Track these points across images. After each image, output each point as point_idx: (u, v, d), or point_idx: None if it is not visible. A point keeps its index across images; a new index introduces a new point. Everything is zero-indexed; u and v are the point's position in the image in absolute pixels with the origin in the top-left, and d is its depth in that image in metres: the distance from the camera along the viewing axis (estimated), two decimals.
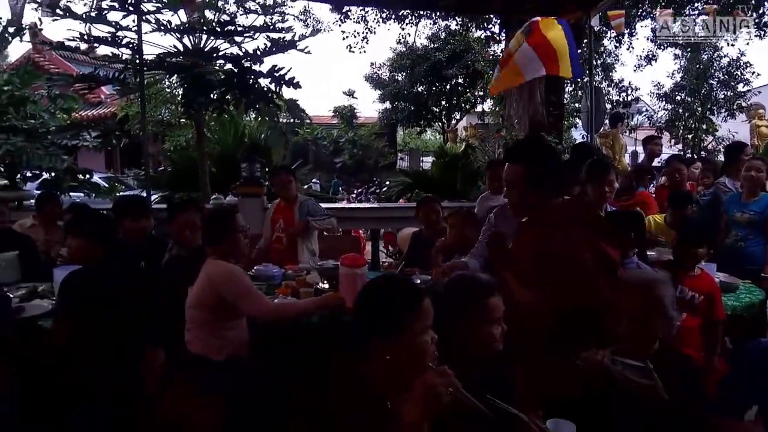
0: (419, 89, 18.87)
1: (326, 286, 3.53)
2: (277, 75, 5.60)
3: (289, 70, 5.65)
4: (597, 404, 1.86)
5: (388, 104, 19.73)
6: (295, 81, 5.70)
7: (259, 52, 5.60)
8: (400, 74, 18.97)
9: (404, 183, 7.66)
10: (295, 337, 3.02)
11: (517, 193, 2.18)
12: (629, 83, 17.73)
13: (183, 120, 16.85)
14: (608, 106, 14.86)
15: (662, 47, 17.19)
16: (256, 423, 2.74)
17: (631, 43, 15.89)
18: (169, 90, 15.20)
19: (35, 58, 14.42)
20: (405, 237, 5.04)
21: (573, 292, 1.97)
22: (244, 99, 5.54)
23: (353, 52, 13.60)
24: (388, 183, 14.66)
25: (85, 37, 5.51)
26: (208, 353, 2.75)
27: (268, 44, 5.71)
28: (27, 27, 6.83)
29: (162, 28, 5.77)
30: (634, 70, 19.13)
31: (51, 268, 3.43)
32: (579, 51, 6.27)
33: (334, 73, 49.89)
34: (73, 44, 5.67)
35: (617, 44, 15.69)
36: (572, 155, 4.56)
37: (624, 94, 16.75)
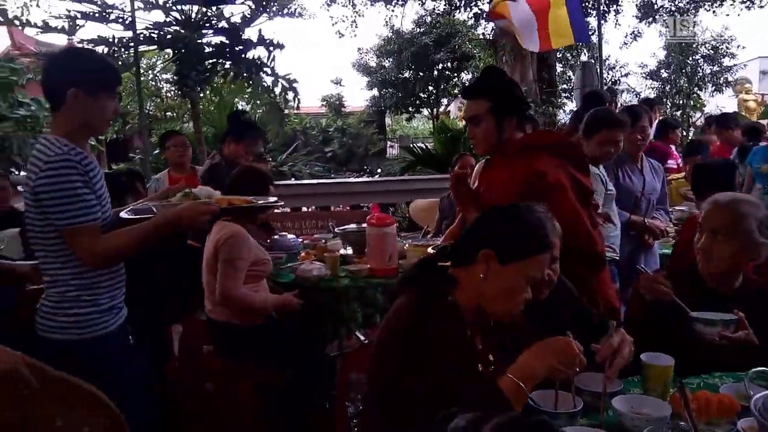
0: (406, 75, 18.70)
1: (350, 251, 3.38)
2: (266, 41, 5.46)
3: (274, 35, 5.55)
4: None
5: (375, 91, 19.53)
6: (279, 43, 5.58)
7: (247, 17, 5.45)
8: (387, 60, 18.78)
9: (406, 160, 7.50)
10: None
11: (483, 129, 2.07)
12: (616, 60, 17.76)
13: (169, 113, 16.68)
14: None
15: (648, 23, 17.23)
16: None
17: (617, 20, 15.89)
18: (153, 83, 15.01)
19: (15, 56, 13.97)
20: (419, 208, 4.90)
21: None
22: (234, 69, 5.38)
23: (342, 36, 13.44)
24: (380, 171, 14.50)
25: (71, 13, 5.26)
26: (233, 320, 2.60)
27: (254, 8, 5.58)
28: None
29: (149, 4, 5.56)
30: (620, 48, 19.15)
31: None
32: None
33: (322, 63, 49.56)
34: (59, 24, 5.40)
35: (603, 21, 15.67)
36: (584, 103, 4.40)
37: (612, 71, 16.72)
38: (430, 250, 2.51)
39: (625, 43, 16.98)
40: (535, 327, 1.51)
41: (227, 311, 2.59)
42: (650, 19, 16.08)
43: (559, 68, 15.39)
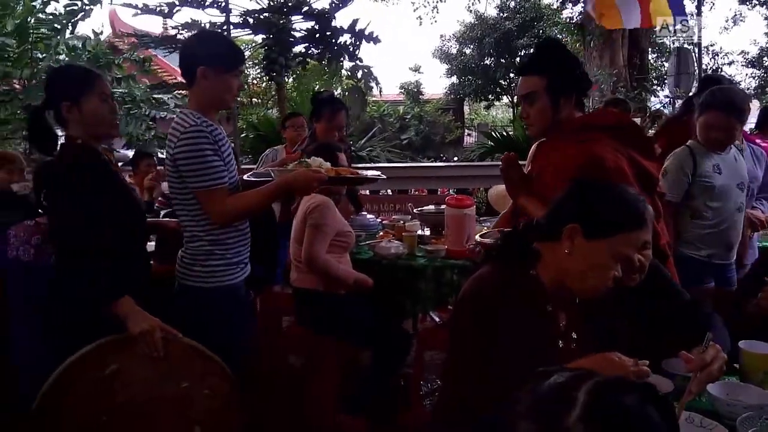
0: (487, 62, 18.32)
1: (428, 232, 3.40)
2: (360, 32, 5.52)
3: (368, 24, 5.57)
4: None
5: (455, 79, 19.28)
6: (374, 36, 5.61)
7: (335, 2, 5.53)
8: (468, 47, 18.48)
9: (485, 146, 7.40)
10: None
11: (537, 108, 1.90)
12: (721, 48, 16.59)
13: (254, 99, 17.28)
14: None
15: (750, 5, 15.95)
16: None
17: (713, 3, 14.74)
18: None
19: (114, 42, 14.89)
20: (498, 193, 4.82)
21: None
22: (327, 54, 5.48)
23: (422, 22, 13.36)
24: (456, 158, 14.34)
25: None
26: (318, 287, 2.71)
27: None
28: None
29: None
30: (720, 33, 17.73)
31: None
32: None
33: (401, 50, 49.09)
34: (158, 7, 5.71)
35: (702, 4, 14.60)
36: (701, 88, 4.11)
37: (716, 58, 15.57)
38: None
39: (726, 28, 15.84)
40: (626, 312, 1.47)
41: (312, 278, 2.70)
42: (753, 2, 14.91)
43: (652, 56, 14.55)
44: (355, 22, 5.54)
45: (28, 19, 7.44)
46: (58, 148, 1.96)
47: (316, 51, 5.69)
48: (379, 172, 2.35)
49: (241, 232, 2.03)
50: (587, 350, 1.34)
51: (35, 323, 2.17)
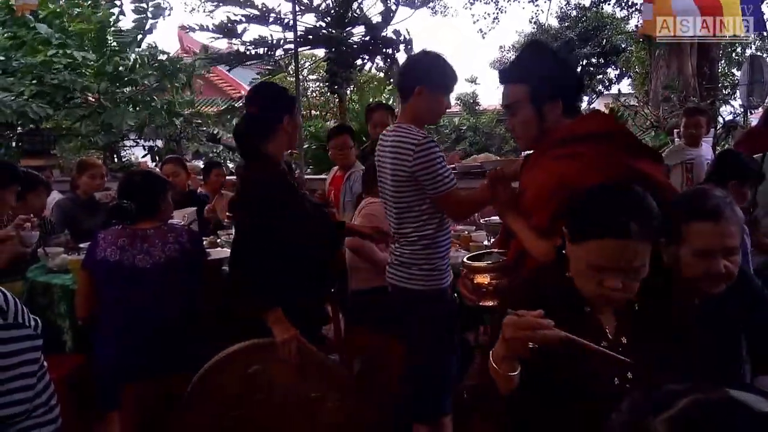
0: None
1: (493, 242, 3.38)
2: (400, 38, 5.69)
3: (409, 28, 5.74)
4: None
5: None
6: (407, 39, 5.83)
7: (391, 14, 5.69)
8: None
9: None
10: None
11: (521, 120, 1.74)
12: None
13: (313, 111, 17.69)
14: None
15: None
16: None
17: None
18: (301, 84, 15.98)
19: (183, 57, 15.57)
20: None
21: None
22: (374, 58, 5.68)
23: (485, 36, 13.35)
24: None
25: (238, 18, 5.81)
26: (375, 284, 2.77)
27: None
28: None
29: (303, 6, 5.99)
30: None
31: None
32: None
33: (458, 62, 48.76)
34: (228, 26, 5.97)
35: None
36: None
37: None
38: None
39: None
40: (707, 321, 1.41)
41: (368, 276, 2.81)
42: None
43: (722, 65, 13.90)
44: (397, 32, 5.71)
45: (106, 34, 7.98)
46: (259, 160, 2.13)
47: (370, 63, 5.89)
48: None
49: (448, 237, 2.23)
50: (638, 356, 1.27)
51: (119, 317, 2.32)
